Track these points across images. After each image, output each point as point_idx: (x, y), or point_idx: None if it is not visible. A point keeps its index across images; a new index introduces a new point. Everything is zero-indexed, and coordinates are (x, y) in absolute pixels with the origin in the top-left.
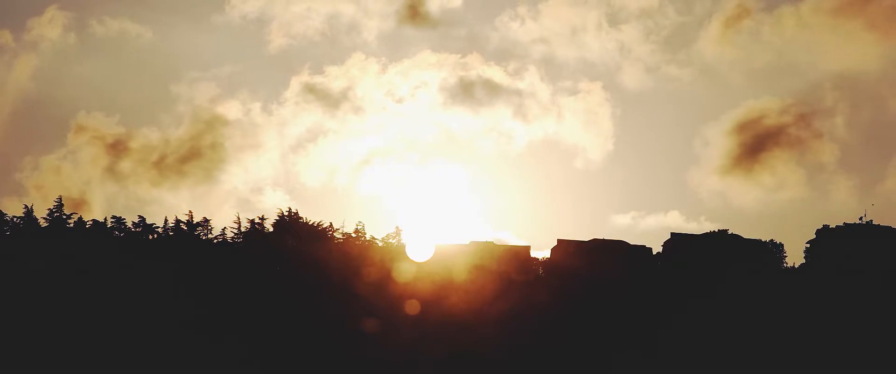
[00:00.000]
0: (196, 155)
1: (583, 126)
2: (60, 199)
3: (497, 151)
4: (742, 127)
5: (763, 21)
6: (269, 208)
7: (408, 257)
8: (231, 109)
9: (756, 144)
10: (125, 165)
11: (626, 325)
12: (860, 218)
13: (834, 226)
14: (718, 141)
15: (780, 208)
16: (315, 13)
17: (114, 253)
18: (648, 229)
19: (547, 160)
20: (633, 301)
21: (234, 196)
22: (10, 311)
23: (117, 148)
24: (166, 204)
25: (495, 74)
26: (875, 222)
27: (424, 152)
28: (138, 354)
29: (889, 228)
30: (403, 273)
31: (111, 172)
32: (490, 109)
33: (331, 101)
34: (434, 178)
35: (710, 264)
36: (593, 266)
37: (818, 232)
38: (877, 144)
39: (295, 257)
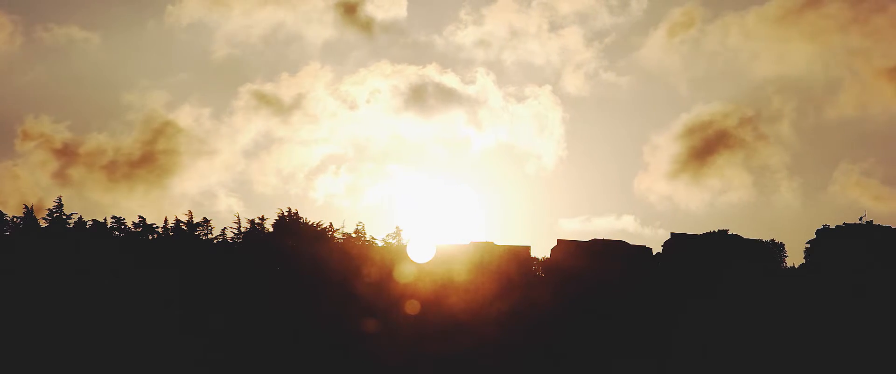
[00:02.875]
0: (148, 161)
1: (534, 131)
2: (60, 199)
3: (451, 157)
4: (690, 132)
5: (707, 31)
6: (224, 213)
7: (408, 258)
8: (182, 116)
9: (704, 149)
10: (78, 170)
11: (626, 325)
12: (860, 218)
13: (834, 226)
14: (668, 146)
15: (728, 211)
16: (260, 22)
17: (114, 253)
18: (600, 234)
19: (500, 165)
20: (633, 301)
21: (188, 201)
22: (11, 311)
23: (68, 154)
24: (122, 209)
25: (448, 80)
26: (875, 223)
27: (379, 159)
28: (138, 354)
29: (889, 228)
30: (403, 273)
31: (65, 177)
32: (444, 115)
33: (283, 109)
34: (390, 183)
35: (710, 264)
36: (593, 266)
37: (818, 232)
38: (822, 148)
39: (295, 257)
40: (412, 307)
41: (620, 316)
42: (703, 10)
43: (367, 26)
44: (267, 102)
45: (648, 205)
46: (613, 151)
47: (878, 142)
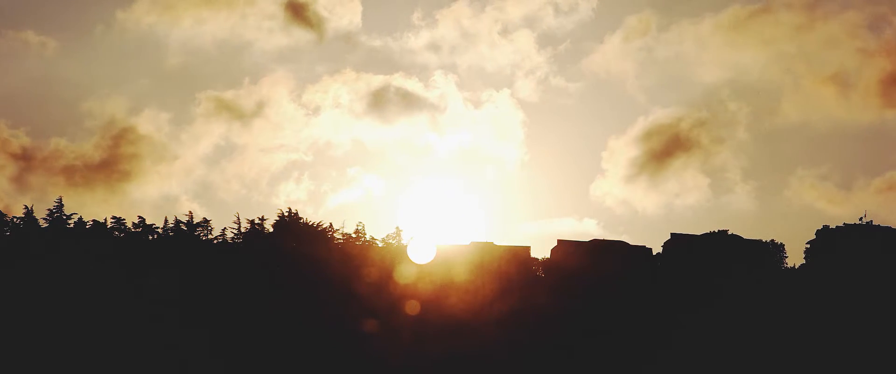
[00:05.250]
0: (108, 166)
1: (494, 136)
2: (60, 199)
3: (413, 161)
4: (648, 136)
5: (662, 38)
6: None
7: (408, 258)
8: (142, 122)
9: (662, 153)
10: (37, 175)
11: (626, 325)
12: (860, 218)
13: (834, 226)
14: (625, 150)
15: (686, 214)
16: (213, 29)
17: (114, 253)
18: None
19: (461, 169)
20: (633, 301)
21: (149, 206)
22: (11, 311)
23: (26, 158)
24: (87, 214)
25: (410, 85)
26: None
27: (341, 164)
28: (138, 354)
29: (889, 228)
30: (403, 274)
31: (24, 182)
32: (406, 120)
33: (243, 115)
34: (353, 188)
35: (710, 264)
36: (593, 266)
37: (818, 232)
38: (777, 152)
39: (295, 257)
40: (412, 308)
41: (620, 316)
42: (658, 18)
43: (319, 29)
44: (227, 108)
45: (607, 209)
46: (574, 155)
47: (832, 146)
